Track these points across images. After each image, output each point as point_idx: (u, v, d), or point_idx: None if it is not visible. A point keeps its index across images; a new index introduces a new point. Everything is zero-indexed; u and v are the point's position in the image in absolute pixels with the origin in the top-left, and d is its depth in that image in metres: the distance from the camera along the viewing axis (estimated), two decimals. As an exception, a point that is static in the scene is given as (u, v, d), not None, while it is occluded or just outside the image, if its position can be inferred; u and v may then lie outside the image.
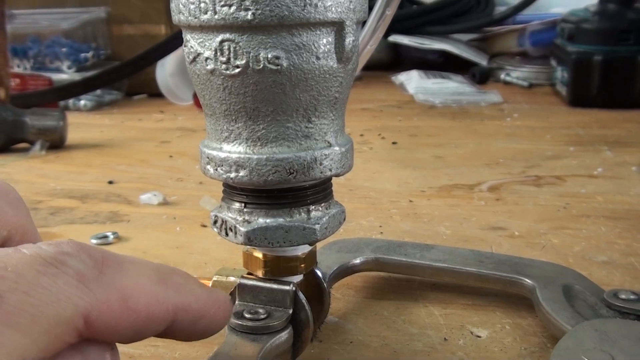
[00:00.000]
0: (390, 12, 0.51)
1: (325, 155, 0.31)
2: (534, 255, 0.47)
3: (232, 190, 0.32)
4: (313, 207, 0.32)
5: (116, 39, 1.10)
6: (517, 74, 1.19)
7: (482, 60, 1.26)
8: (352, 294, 0.42)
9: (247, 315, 0.32)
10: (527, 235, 0.51)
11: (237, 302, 0.33)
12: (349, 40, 0.29)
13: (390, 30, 1.30)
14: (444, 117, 0.92)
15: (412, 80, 1.12)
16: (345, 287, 0.43)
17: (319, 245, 0.46)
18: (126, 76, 1.00)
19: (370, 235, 0.51)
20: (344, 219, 0.34)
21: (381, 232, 0.52)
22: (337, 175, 0.32)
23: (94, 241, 0.50)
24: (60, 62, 1.01)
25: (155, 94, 1.03)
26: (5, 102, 0.75)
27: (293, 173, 0.30)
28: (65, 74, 1.01)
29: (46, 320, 0.19)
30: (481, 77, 1.18)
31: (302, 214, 0.31)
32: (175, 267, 0.26)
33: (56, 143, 0.77)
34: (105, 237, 0.50)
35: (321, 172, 0.31)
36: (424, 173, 0.67)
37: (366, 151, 0.76)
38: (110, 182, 0.65)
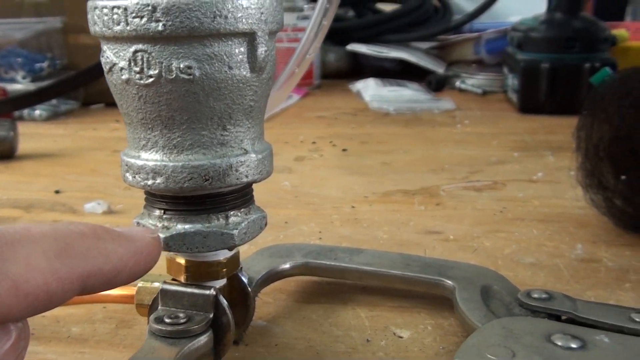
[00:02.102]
0: (327, 22, 0.52)
1: (241, 162, 0.32)
2: (464, 257, 0.48)
3: (152, 198, 0.33)
4: (232, 212, 0.33)
5: (72, 48, 1.10)
6: (472, 81, 1.22)
7: (439, 68, 1.28)
8: (284, 298, 0.43)
9: (167, 320, 0.32)
10: (461, 238, 0.52)
11: (159, 307, 0.34)
12: (261, 50, 0.30)
13: (348, 39, 1.31)
14: (396, 124, 0.94)
15: (369, 88, 1.13)
16: (277, 291, 0.44)
17: (252, 250, 0.47)
18: (81, 85, 1.00)
19: (309, 241, 0.52)
20: (265, 224, 0.35)
21: (320, 238, 0.53)
22: (254, 182, 0.33)
23: (33, 250, 0.50)
24: (15, 72, 1.01)
25: (112, 103, 1.03)
26: (-47, 112, 0.75)
27: (209, 180, 0.31)
28: (20, 84, 1.01)
29: None
30: (437, 85, 1.20)
31: (220, 219, 0.32)
32: (89, 223, 0.26)
33: (6, 153, 0.77)
34: (45, 245, 0.50)
35: (237, 179, 0.32)
36: (370, 179, 0.68)
37: (316, 158, 0.77)
38: (57, 192, 0.65)
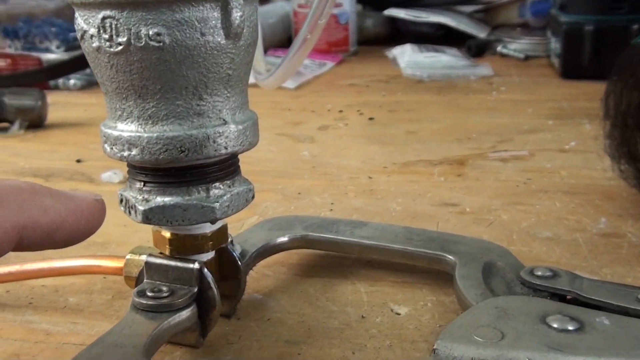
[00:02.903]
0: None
1: (219, 133, 0.30)
2: (477, 231, 0.46)
3: (133, 169, 0.32)
4: (213, 185, 0.32)
5: (107, 17, 1.10)
6: (514, 46, 1.17)
7: (481, 33, 1.24)
8: (284, 271, 0.42)
9: (149, 294, 0.32)
10: (477, 211, 0.50)
11: (145, 280, 0.34)
12: (235, 15, 0.29)
13: (387, 4, 1.28)
14: (428, 91, 0.91)
15: (405, 55, 1.10)
16: (278, 264, 0.43)
17: (253, 222, 0.46)
18: (115, 55, 1.00)
19: (320, 212, 0.51)
20: (252, 197, 0.34)
21: (331, 210, 0.51)
22: (234, 154, 0.32)
23: (45, 219, 0.50)
24: (49, 41, 1.02)
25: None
26: (-16, 82, 0.76)
27: (185, 151, 0.30)
28: (54, 54, 1.01)
29: None
30: (477, 50, 1.16)
31: (201, 192, 0.31)
32: (30, 181, 0.26)
33: (35, 122, 0.77)
34: (57, 215, 0.51)
35: (215, 150, 0.30)
36: (392, 149, 0.66)
37: (340, 127, 0.75)
38: (78, 161, 0.65)
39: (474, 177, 0.57)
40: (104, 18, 0.28)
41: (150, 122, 0.30)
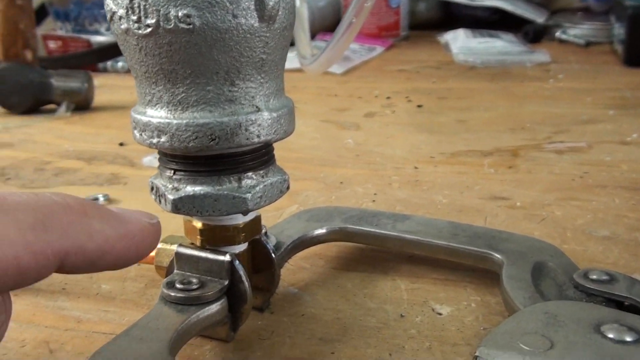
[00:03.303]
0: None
1: (252, 120, 0.29)
2: (528, 228, 0.44)
3: (164, 157, 0.31)
4: (246, 175, 0.30)
5: (157, 0, 1.10)
6: (575, 31, 1.12)
7: (539, 18, 1.19)
8: (322, 264, 0.41)
9: (178, 286, 0.31)
10: (529, 206, 0.47)
11: (175, 270, 0.33)
12: (270, -4, 0.27)
13: (441, -13, 1.24)
14: (481, 78, 0.88)
15: (458, 40, 1.07)
16: (316, 256, 0.41)
17: (292, 211, 0.44)
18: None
19: (362, 203, 0.49)
20: (287, 188, 0.32)
21: (374, 200, 0.49)
22: (268, 143, 0.30)
23: (85, 203, 0.50)
24: (98, 24, 1.02)
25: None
26: (32, 63, 0.77)
27: (215, 139, 0.28)
28: (103, 36, 1.02)
29: None
30: (534, 36, 1.12)
31: (233, 182, 0.30)
32: (79, 197, 0.25)
33: (82, 104, 0.78)
34: (96, 199, 0.51)
35: (247, 139, 0.29)
36: (440, 138, 0.64)
37: (387, 115, 0.73)
38: (121, 144, 0.65)
39: (526, 170, 0.55)
40: (132, -2, 0.27)
41: (180, 108, 0.28)
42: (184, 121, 0.28)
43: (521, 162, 0.56)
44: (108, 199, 0.51)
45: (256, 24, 0.28)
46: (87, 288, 0.38)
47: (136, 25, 0.27)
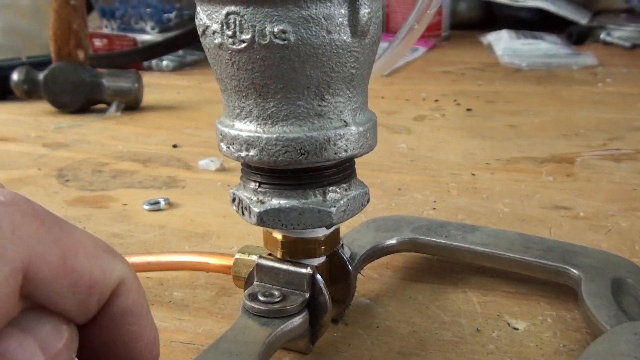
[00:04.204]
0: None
1: (340, 135, 0.29)
2: (595, 239, 0.43)
3: (248, 169, 0.31)
4: (330, 188, 0.30)
5: (199, -1, 1.10)
6: (619, 33, 1.10)
7: (582, 19, 1.18)
8: (390, 274, 0.40)
9: (261, 298, 0.31)
10: (592, 216, 0.47)
11: (255, 282, 0.33)
12: (363, 12, 0.27)
13: (482, -13, 1.23)
14: (528, 81, 0.87)
15: (501, 41, 1.06)
16: (383, 266, 0.41)
17: (357, 222, 0.44)
18: (206, 37, 1.00)
19: (422, 211, 0.49)
20: (368, 201, 0.32)
21: (434, 208, 0.49)
22: (354, 157, 0.30)
23: (146, 207, 0.51)
24: (144, 22, 1.03)
25: (235, 54, 1.03)
26: (84, 63, 0.77)
27: (304, 154, 0.28)
28: (149, 35, 1.03)
29: None
30: (578, 37, 1.10)
31: (318, 195, 0.30)
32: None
33: (131, 104, 0.78)
34: (157, 203, 0.51)
35: (335, 153, 0.29)
36: (494, 143, 0.63)
37: (437, 118, 0.72)
38: (175, 146, 0.66)
39: (584, 178, 0.54)
40: (228, 14, 0.27)
41: (269, 122, 0.29)
42: (274, 135, 0.28)
43: (579, 169, 0.56)
44: (169, 203, 0.51)
45: (349, 40, 0.28)
46: (159, 295, 0.39)
47: (230, 40, 0.27)
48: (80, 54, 0.76)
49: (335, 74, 0.28)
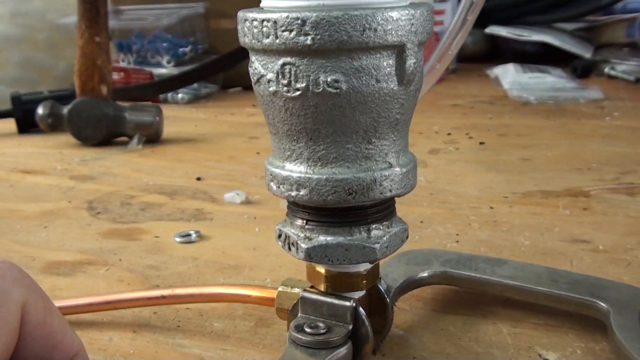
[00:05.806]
0: (472, 17, 0.50)
1: (386, 176, 0.31)
2: (616, 272, 0.45)
3: (295, 207, 0.33)
4: (374, 225, 0.32)
5: (213, 33, 1.13)
6: (623, 67, 1.13)
7: (585, 53, 1.21)
8: (420, 306, 0.42)
9: (307, 330, 0.33)
10: (612, 250, 0.49)
11: (299, 314, 0.34)
12: (410, 62, 0.29)
13: (487, 21, 1.26)
14: (537, 115, 0.89)
15: (508, 75, 1.08)
16: (414, 298, 0.43)
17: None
18: (221, 70, 1.03)
19: (446, 244, 0.50)
20: (407, 237, 0.34)
21: (457, 241, 0.51)
22: (397, 196, 0.32)
23: (177, 239, 0.52)
24: (160, 56, 1.06)
25: (249, 86, 1.06)
26: (107, 98, 0.79)
27: (352, 194, 0.30)
28: (165, 69, 1.05)
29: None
30: (583, 71, 1.13)
31: (362, 232, 0.32)
32: None
33: (152, 137, 0.81)
34: (189, 235, 0.53)
35: (381, 193, 0.31)
36: (509, 177, 0.65)
37: (452, 152, 0.74)
38: (199, 179, 0.68)
39: (601, 212, 0.56)
40: (284, 64, 0.29)
41: (319, 164, 0.30)
42: (324, 176, 0.30)
43: (595, 203, 0.58)
44: (200, 236, 0.53)
45: (395, 88, 0.30)
46: (200, 325, 0.40)
47: (285, 88, 0.29)
48: (104, 89, 0.79)
49: (382, 119, 0.30)
